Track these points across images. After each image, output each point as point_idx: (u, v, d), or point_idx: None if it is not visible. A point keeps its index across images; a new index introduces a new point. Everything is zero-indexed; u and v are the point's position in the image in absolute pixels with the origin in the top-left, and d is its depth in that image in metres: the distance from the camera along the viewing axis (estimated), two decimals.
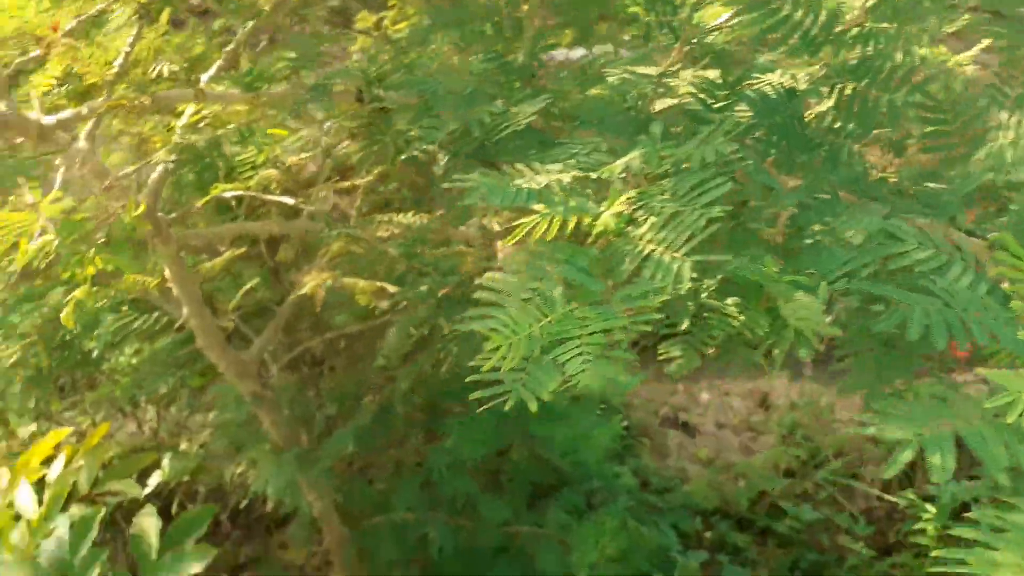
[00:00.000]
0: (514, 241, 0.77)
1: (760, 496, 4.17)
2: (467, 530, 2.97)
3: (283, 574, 3.19)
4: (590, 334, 0.67)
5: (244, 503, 3.57)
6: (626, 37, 1.57)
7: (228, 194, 1.66)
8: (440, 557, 2.97)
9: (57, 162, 1.40)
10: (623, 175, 0.81)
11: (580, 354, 0.66)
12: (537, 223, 0.76)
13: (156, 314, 2.45)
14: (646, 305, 0.69)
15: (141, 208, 1.31)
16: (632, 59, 1.21)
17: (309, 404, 2.65)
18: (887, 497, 4.06)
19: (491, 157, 0.99)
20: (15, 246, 1.30)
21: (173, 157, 1.40)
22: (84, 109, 1.32)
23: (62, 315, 1.13)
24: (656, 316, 0.68)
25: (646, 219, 0.76)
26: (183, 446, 3.29)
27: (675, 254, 0.70)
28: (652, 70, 1.11)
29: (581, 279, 0.72)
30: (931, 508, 3.67)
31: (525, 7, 1.12)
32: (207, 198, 1.62)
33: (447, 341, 1.63)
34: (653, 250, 0.71)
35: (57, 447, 2.85)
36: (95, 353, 2.98)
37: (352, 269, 2.13)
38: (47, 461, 2.85)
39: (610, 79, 1.13)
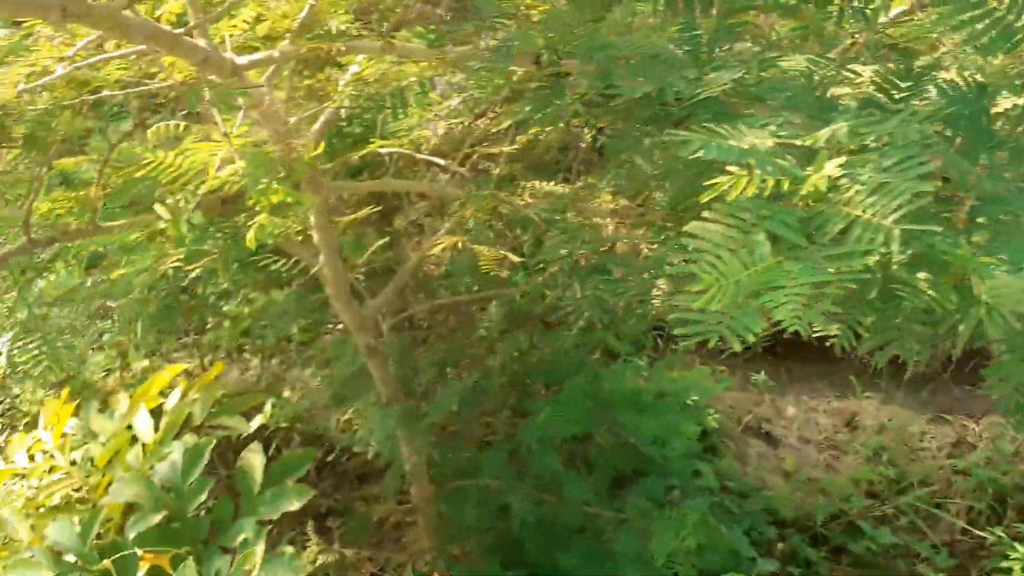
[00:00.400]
0: (712, 197, 0.81)
1: (838, 514, 4.10)
2: (549, 505, 3.03)
3: (367, 523, 3.31)
4: (798, 285, 0.71)
5: (331, 456, 3.73)
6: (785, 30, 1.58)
7: (384, 151, 1.75)
8: (519, 529, 3.04)
9: (239, 101, 1.50)
10: (824, 147, 0.85)
11: (789, 302, 0.70)
12: (738, 181, 0.80)
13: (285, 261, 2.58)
14: (850, 266, 0.72)
15: (320, 148, 1.40)
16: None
17: (415, 364, 2.75)
18: (973, 531, 3.93)
19: (672, 124, 1.04)
20: (202, 173, 1.41)
21: (345, 105, 1.49)
22: (276, 53, 1.42)
23: (248, 237, 1.22)
24: (865, 275, 0.71)
25: (850, 187, 0.79)
26: (286, 394, 3.45)
27: (883, 221, 0.73)
28: (833, 56, 1.13)
29: (788, 234, 0.76)
30: (1020, 548, 3.54)
31: None
32: (365, 151, 1.70)
33: (580, 304, 1.67)
34: (860, 215, 0.75)
35: (174, 380, 3.04)
36: (212, 298, 3.16)
37: (476, 239, 2.21)
38: (164, 392, 3.04)
39: (787, 63, 1.15)
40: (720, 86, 0.96)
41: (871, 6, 1.12)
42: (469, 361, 3.00)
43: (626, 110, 1.12)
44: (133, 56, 1.45)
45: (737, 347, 0.73)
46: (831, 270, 0.72)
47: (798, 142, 0.85)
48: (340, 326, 3.91)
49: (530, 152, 1.83)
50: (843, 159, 0.81)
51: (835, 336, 1.03)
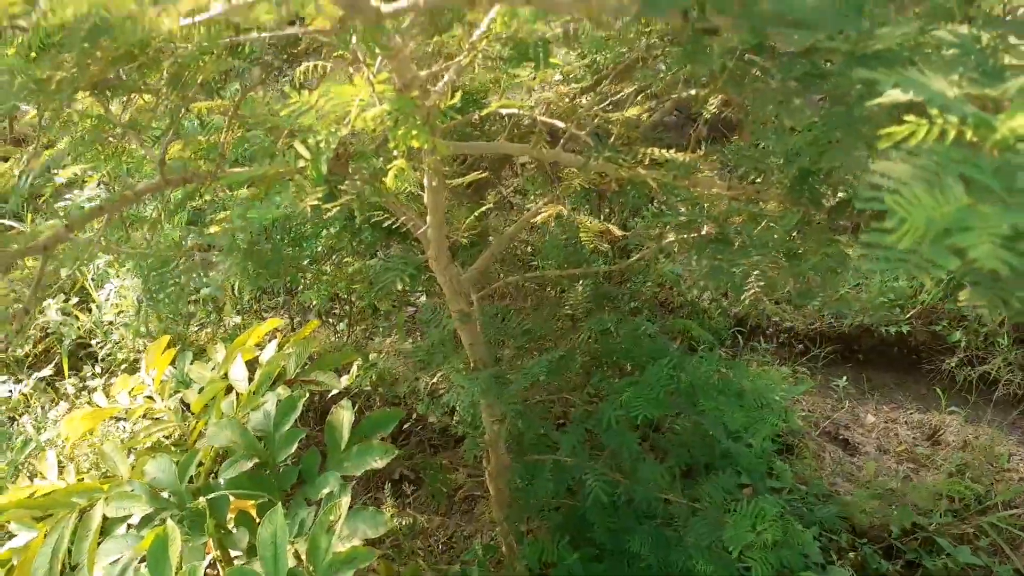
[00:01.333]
0: (896, 141, 0.80)
1: (913, 528, 3.98)
2: (623, 487, 3.03)
3: (440, 491, 3.37)
4: (993, 226, 0.70)
5: (408, 424, 3.80)
6: None
7: (504, 111, 1.77)
8: (590, 509, 3.05)
9: (377, 50, 1.54)
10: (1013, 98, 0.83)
11: (985, 242, 0.69)
12: (920, 128, 0.79)
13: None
14: None
15: (457, 97, 1.43)
16: None
17: (502, 333, 2.78)
18: None
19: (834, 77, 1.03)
20: (342, 118, 1.46)
21: (477, 60, 1.52)
22: (420, 1, 1.45)
23: (387, 179, 1.26)
24: None
25: None
26: (372, 356, 3.53)
27: None
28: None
29: (983, 178, 0.75)
30: None
31: None
32: (487, 110, 1.73)
33: (697, 274, 1.66)
34: None
35: (271, 333, 3.14)
36: (307, 260, 3.24)
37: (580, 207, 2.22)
38: (260, 345, 3.15)
39: (951, 29, 1.13)
40: (896, 39, 0.94)
41: None
42: (553, 336, 3.02)
43: (781, 65, 1.11)
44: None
45: (928, 283, 0.72)
46: None
47: (987, 91, 0.84)
48: (422, 299, 3.98)
49: (648, 120, 1.83)
50: None
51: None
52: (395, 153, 1.75)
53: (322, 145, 1.37)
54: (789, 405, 4.34)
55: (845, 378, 4.70)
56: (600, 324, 2.94)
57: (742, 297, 1.67)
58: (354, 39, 1.41)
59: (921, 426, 4.51)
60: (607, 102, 1.74)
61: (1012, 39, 1.19)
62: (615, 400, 2.84)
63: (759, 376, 3.84)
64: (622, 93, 1.74)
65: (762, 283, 1.88)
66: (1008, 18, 1.20)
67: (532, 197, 3.70)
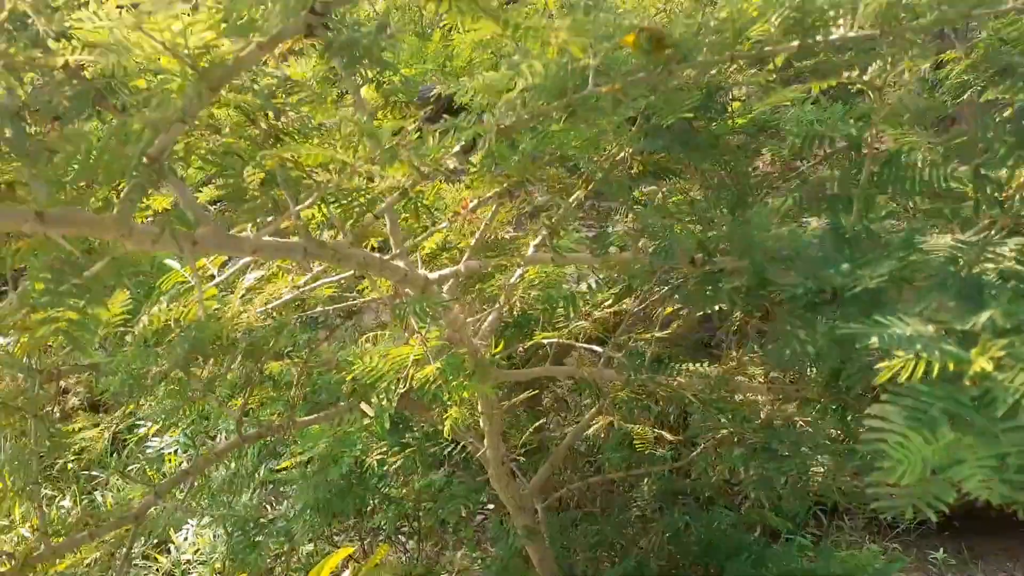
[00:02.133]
0: (885, 379, 0.90)
1: None
2: None
3: None
4: (981, 458, 0.78)
5: None
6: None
7: (545, 341, 1.94)
8: None
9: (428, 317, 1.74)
10: (980, 330, 0.93)
11: (976, 474, 0.77)
12: (907, 364, 0.89)
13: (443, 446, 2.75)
14: None
15: (499, 347, 1.59)
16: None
17: (572, 542, 2.78)
18: None
19: (830, 312, 1.15)
20: (401, 372, 1.62)
21: (515, 307, 1.70)
22: (461, 267, 1.67)
23: (446, 428, 1.39)
24: None
25: (1014, 366, 0.86)
26: None
27: None
28: (973, 238, 1.23)
29: (965, 412, 0.83)
30: None
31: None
32: (531, 342, 1.90)
33: (746, 484, 1.72)
34: None
35: (344, 562, 3.18)
36: (375, 482, 3.34)
37: (627, 416, 2.31)
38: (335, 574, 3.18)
39: (929, 245, 1.26)
40: (875, 279, 1.07)
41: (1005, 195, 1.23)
42: (624, 542, 2.99)
43: (782, 301, 1.25)
44: (341, 279, 1.73)
45: (933, 517, 0.79)
46: (1010, 444, 0.79)
47: (957, 327, 0.95)
48: (491, 506, 3.99)
49: (680, 331, 1.97)
50: (1003, 340, 0.90)
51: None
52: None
53: (384, 403, 1.53)
54: None
55: (942, 550, 4.42)
56: (671, 526, 2.91)
57: (794, 499, 1.70)
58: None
59: None
60: (637, 319, 1.89)
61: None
62: None
63: (848, 558, 3.66)
64: (654, 311, 1.89)
65: (819, 480, 1.91)
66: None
67: (586, 393, 3.79)
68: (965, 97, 2.58)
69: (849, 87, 1.40)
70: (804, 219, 1.48)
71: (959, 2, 1.09)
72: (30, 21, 0.91)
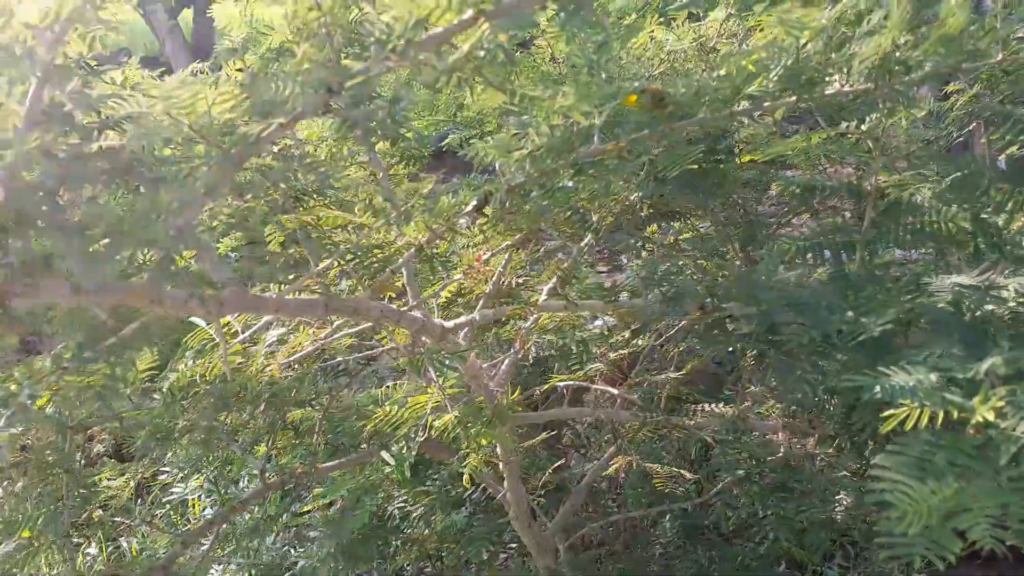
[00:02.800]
0: (888, 429, 0.93)
1: None
2: None
3: None
4: (985, 507, 0.80)
5: None
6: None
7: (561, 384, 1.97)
8: None
9: (444, 366, 1.77)
10: (983, 377, 0.96)
11: (981, 523, 0.79)
12: (912, 413, 0.91)
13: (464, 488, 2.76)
14: None
15: (516, 394, 1.62)
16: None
17: None
18: None
19: (838, 357, 1.17)
20: (420, 420, 1.66)
21: (531, 354, 1.74)
22: (476, 316, 1.71)
23: (465, 478, 1.42)
24: None
25: (1015, 414, 0.88)
26: None
27: None
28: (976, 280, 1.25)
29: (968, 462, 0.85)
30: None
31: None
32: (547, 385, 1.93)
33: (764, 525, 1.73)
34: None
35: None
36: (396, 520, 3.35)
37: (647, 455, 2.32)
38: None
39: (933, 287, 1.28)
40: (880, 326, 1.10)
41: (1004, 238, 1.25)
42: None
43: (789, 347, 1.27)
44: (359, 329, 1.78)
45: (939, 565, 0.81)
46: (1012, 491, 0.81)
47: (959, 376, 0.97)
48: (513, 545, 3.98)
49: (697, 367, 1.99)
50: (1005, 388, 0.92)
51: None
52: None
53: (404, 451, 1.56)
54: None
55: None
56: (696, 562, 2.89)
57: (817, 535, 1.71)
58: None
59: None
60: (651, 359, 1.92)
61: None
62: None
63: None
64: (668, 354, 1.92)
65: (840, 515, 1.91)
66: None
67: (606, 429, 3.79)
68: (971, 127, 2.62)
69: (847, 136, 1.44)
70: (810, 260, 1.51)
71: (950, 56, 1.13)
72: (66, 109, 0.97)
